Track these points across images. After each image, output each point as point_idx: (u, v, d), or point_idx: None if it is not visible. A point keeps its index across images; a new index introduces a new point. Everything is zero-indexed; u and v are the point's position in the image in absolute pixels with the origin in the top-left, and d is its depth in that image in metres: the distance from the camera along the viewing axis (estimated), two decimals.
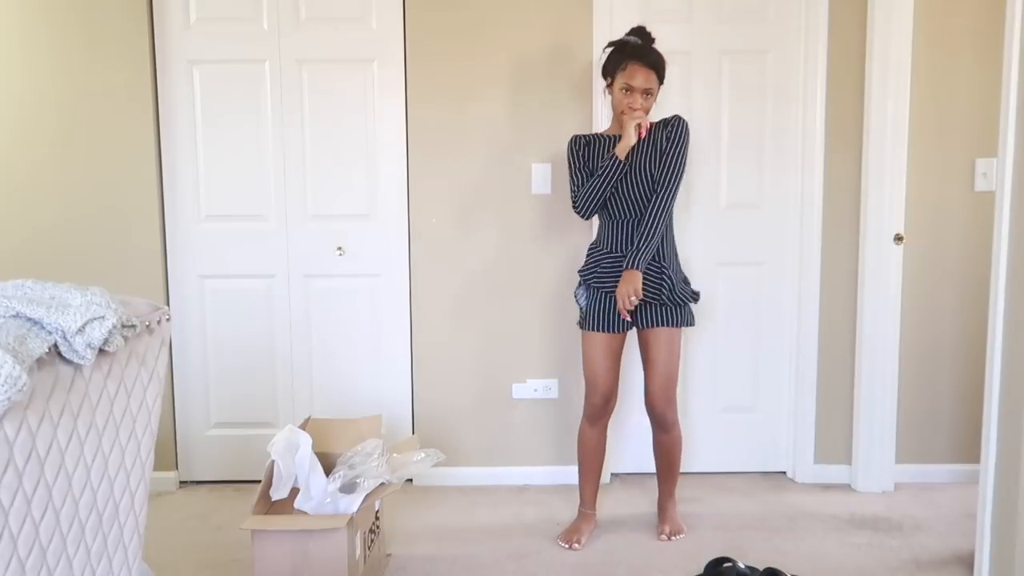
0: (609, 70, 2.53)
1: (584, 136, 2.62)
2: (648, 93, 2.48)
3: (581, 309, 2.61)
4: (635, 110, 2.47)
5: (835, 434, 3.09)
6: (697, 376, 3.14)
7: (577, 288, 2.64)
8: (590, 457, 2.65)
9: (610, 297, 2.51)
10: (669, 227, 2.54)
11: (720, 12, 2.98)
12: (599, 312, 2.55)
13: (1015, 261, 2.05)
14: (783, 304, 3.11)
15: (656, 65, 2.48)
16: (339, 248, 3.07)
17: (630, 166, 2.50)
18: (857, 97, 2.94)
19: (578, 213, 2.57)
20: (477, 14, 2.95)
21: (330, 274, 3.09)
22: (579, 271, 2.63)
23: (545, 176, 2.99)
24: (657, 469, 2.71)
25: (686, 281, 2.59)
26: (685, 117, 3.05)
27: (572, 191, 2.59)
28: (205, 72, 3.00)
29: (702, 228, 3.08)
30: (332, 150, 3.03)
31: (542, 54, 2.95)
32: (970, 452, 3.05)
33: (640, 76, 2.46)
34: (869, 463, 3.02)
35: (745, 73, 3.01)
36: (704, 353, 3.14)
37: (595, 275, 2.55)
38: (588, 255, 2.62)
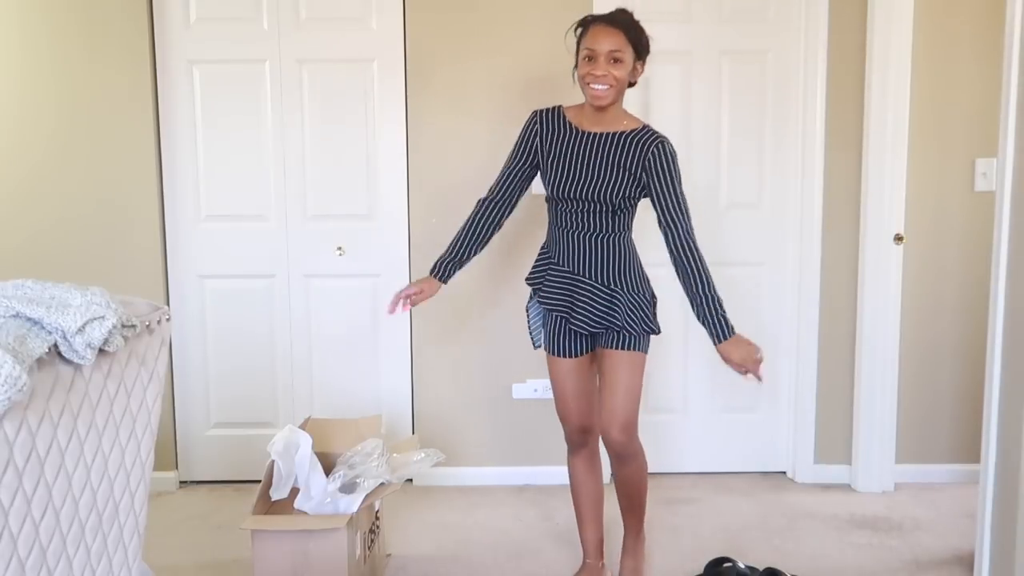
0: (576, 51, 2.12)
1: (544, 118, 2.17)
2: (617, 60, 2.00)
3: (530, 326, 2.29)
4: (598, 76, 1.99)
5: (835, 434, 3.09)
6: (697, 376, 3.14)
7: (529, 301, 2.29)
8: (581, 492, 2.30)
9: (558, 318, 2.18)
10: (618, 242, 2.14)
11: (720, 12, 2.98)
12: (553, 333, 2.20)
13: (1015, 261, 2.05)
14: (783, 304, 3.11)
15: (624, 25, 2.02)
16: (339, 248, 3.07)
17: (586, 172, 2.10)
18: (857, 97, 2.94)
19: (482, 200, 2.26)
20: (477, 14, 2.95)
21: (330, 274, 3.09)
22: (527, 279, 2.26)
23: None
24: (620, 505, 2.32)
25: (648, 302, 2.16)
26: (685, 117, 3.06)
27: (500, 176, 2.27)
28: (205, 72, 3.00)
29: (702, 228, 3.06)
30: (332, 150, 3.03)
31: (542, 54, 2.95)
32: (970, 452, 3.05)
33: (603, 37, 1.99)
34: (869, 463, 3.02)
35: (745, 73, 3.00)
36: (704, 353, 3.13)
37: (541, 288, 2.20)
38: (537, 260, 2.26)
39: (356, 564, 2.14)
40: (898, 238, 2.93)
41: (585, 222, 2.13)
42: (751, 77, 3.01)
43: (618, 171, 2.08)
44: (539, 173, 2.23)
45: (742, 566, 2.20)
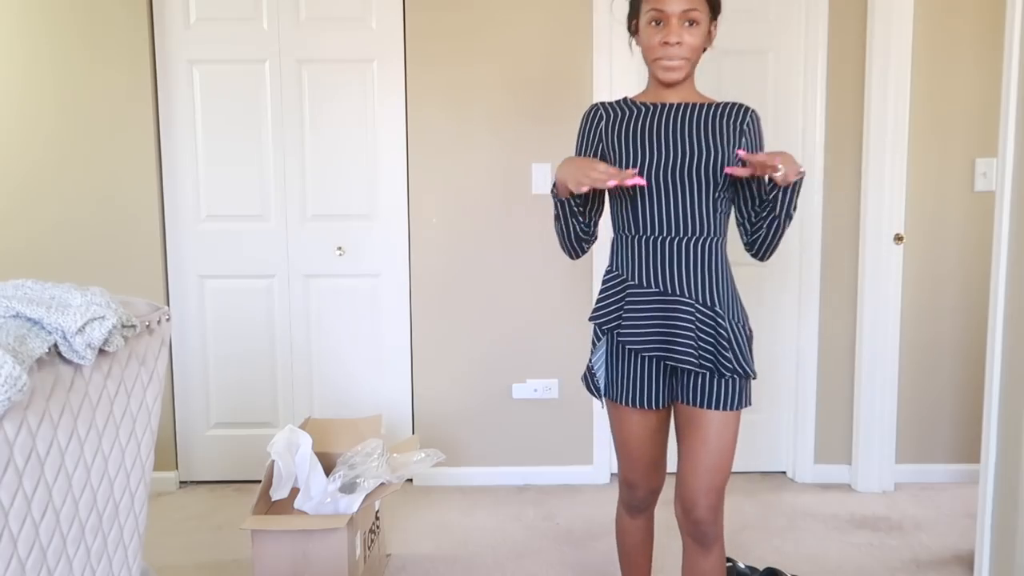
0: (633, 8, 1.72)
1: (606, 105, 1.74)
2: (692, 21, 1.62)
3: (593, 374, 1.74)
4: (672, 44, 1.60)
5: (835, 434, 3.08)
6: None
7: (594, 348, 1.74)
8: (636, 552, 1.92)
9: (644, 359, 1.68)
10: (718, 250, 1.69)
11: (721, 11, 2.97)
12: (629, 378, 1.69)
13: (1015, 261, 2.05)
14: (783, 304, 3.11)
15: None
16: (339, 248, 3.07)
17: (680, 144, 1.64)
18: (857, 97, 2.94)
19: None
20: (477, 14, 2.95)
21: (330, 274, 3.09)
22: (592, 316, 1.72)
23: (545, 176, 2.99)
24: None
25: (748, 337, 1.69)
26: None
27: None
28: (205, 72, 3.00)
29: None
30: (332, 150, 3.03)
31: (542, 54, 2.95)
32: (970, 452, 3.05)
33: None
34: (869, 463, 3.02)
35: (745, 73, 3.00)
36: None
37: (621, 324, 1.67)
38: (604, 289, 1.72)
39: (356, 564, 2.14)
40: (898, 238, 2.93)
41: (679, 221, 1.64)
42: (751, 77, 3.01)
43: (717, 140, 1.65)
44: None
45: (742, 566, 2.20)
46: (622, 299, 1.68)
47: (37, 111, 2.94)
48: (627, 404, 1.71)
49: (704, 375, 1.64)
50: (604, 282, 1.73)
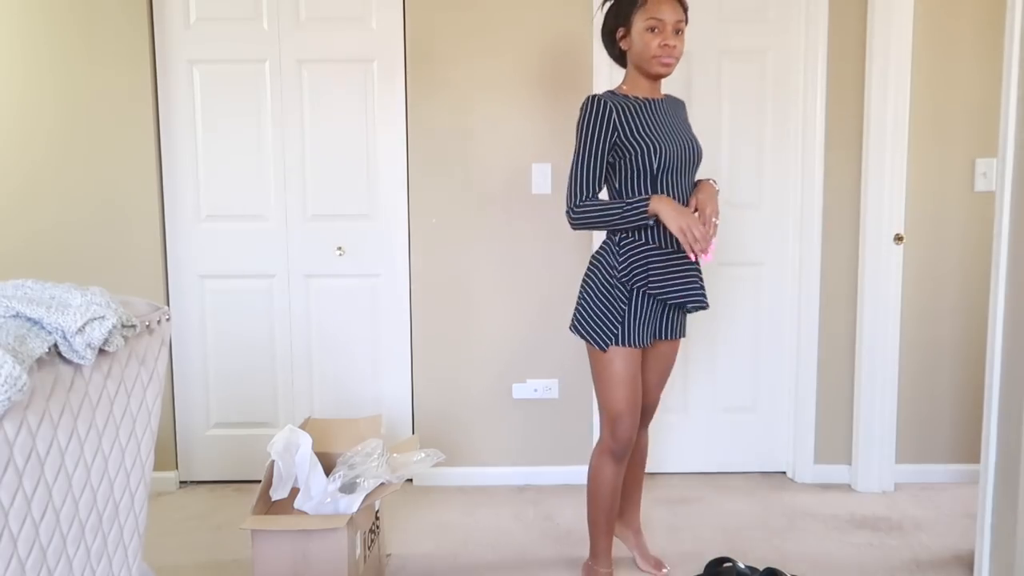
0: (622, 17, 2.03)
1: (607, 100, 2.01)
2: (679, 30, 2.01)
3: (600, 327, 2.08)
4: (672, 47, 1.96)
5: (835, 434, 3.09)
6: (697, 376, 3.14)
7: (601, 302, 2.08)
8: (614, 501, 2.21)
9: (659, 303, 2.09)
10: None
11: (720, 12, 2.98)
12: (642, 321, 2.07)
13: (1015, 261, 2.05)
14: (783, 304, 3.11)
15: None
16: (339, 248, 3.07)
17: (681, 136, 2.08)
18: (857, 97, 2.94)
19: (571, 220, 2.06)
20: (477, 14, 2.95)
21: (330, 274, 3.09)
22: (625, 279, 2.04)
23: (545, 176, 2.99)
24: (632, 478, 2.35)
25: None
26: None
27: (574, 182, 2.04)
28: (205, 72, 3.00)
29: None
30: (332, 150, 3.03)
31: (542, 54, 2.95)
32: (970, 452, 3.05)
33: (667, 7, 1.96)
34: (869, 463, 3.02)
35: (745, 73, 3.00)
36: (704, 353, 3.13)
37: (648, 281, 2.03)
38: (627, 255, 2.05)
39: (356, 564, 2.14)
40: (898, 238, 2.93)
41: (682, 193, 2.08)
42: (751, 77, 3.01)
43: (690, 130, 2.18)
44: (623, 155, 2.03)
45: (742, 566, 2.20)
46: (646, 261, 2.05)
47: (37, 111, 2.94)
48: (638, 344, 2.08)
49: (681, 313, 2.18)
50: (625, 249, 2.05)
